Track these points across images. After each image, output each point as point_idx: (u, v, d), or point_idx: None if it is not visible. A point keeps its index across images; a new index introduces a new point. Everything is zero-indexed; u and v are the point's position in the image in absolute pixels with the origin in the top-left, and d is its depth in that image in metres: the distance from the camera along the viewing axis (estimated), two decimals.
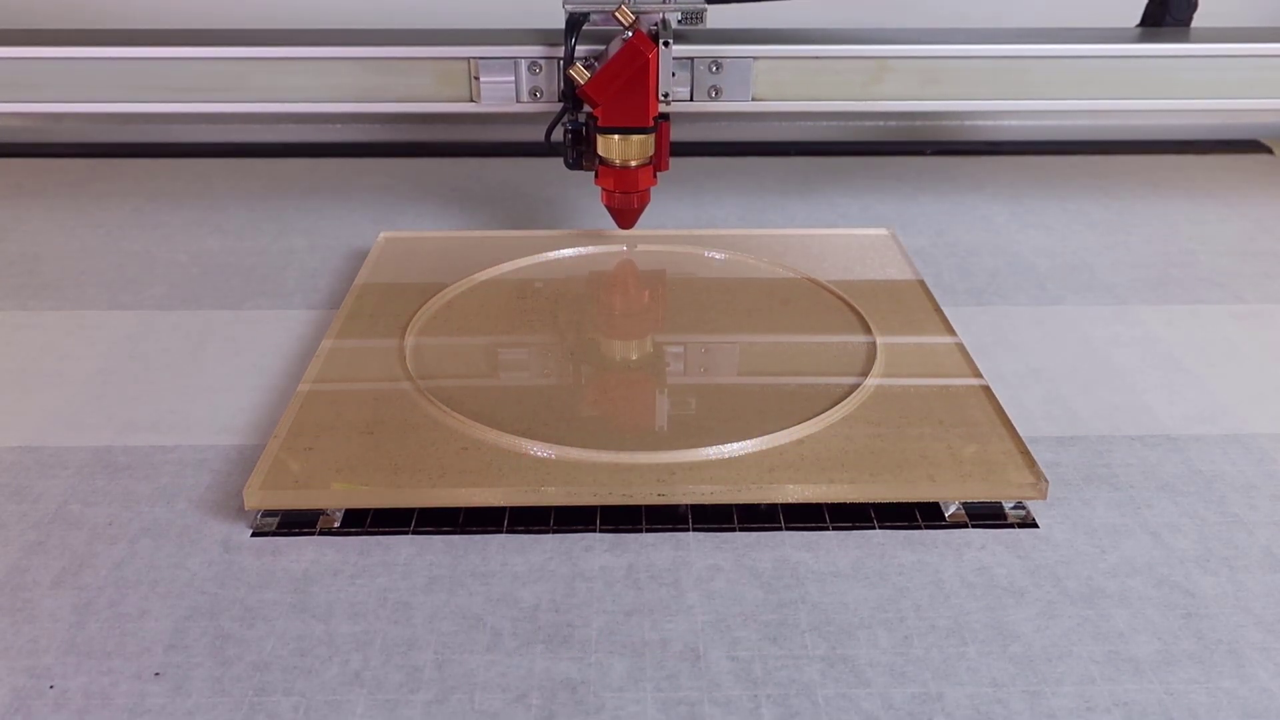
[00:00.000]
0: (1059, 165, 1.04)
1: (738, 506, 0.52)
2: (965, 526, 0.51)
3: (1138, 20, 0.96)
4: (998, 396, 0.59)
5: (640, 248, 0.78)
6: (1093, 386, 0.64)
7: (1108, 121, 1.12)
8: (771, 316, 0.71)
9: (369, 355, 0.62)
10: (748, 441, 0.54)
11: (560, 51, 0.76)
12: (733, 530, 0.51)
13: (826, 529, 0.51)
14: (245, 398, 0.62)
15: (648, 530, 0.51)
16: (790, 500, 0.51)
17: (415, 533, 0.51)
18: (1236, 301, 0.75)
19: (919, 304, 0.69)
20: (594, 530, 0.51)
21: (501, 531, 0.51)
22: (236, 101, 0.82)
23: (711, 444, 0.53)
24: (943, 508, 0.52)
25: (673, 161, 1.03)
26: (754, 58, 0.80)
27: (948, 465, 0.53)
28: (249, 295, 0.76)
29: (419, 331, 0.67)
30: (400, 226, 0.88)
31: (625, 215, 0.78)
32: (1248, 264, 0.81)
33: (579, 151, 0.76)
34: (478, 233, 0.83)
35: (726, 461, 0.53)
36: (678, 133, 1.08)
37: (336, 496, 0.51)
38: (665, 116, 0.76)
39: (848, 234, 0.81)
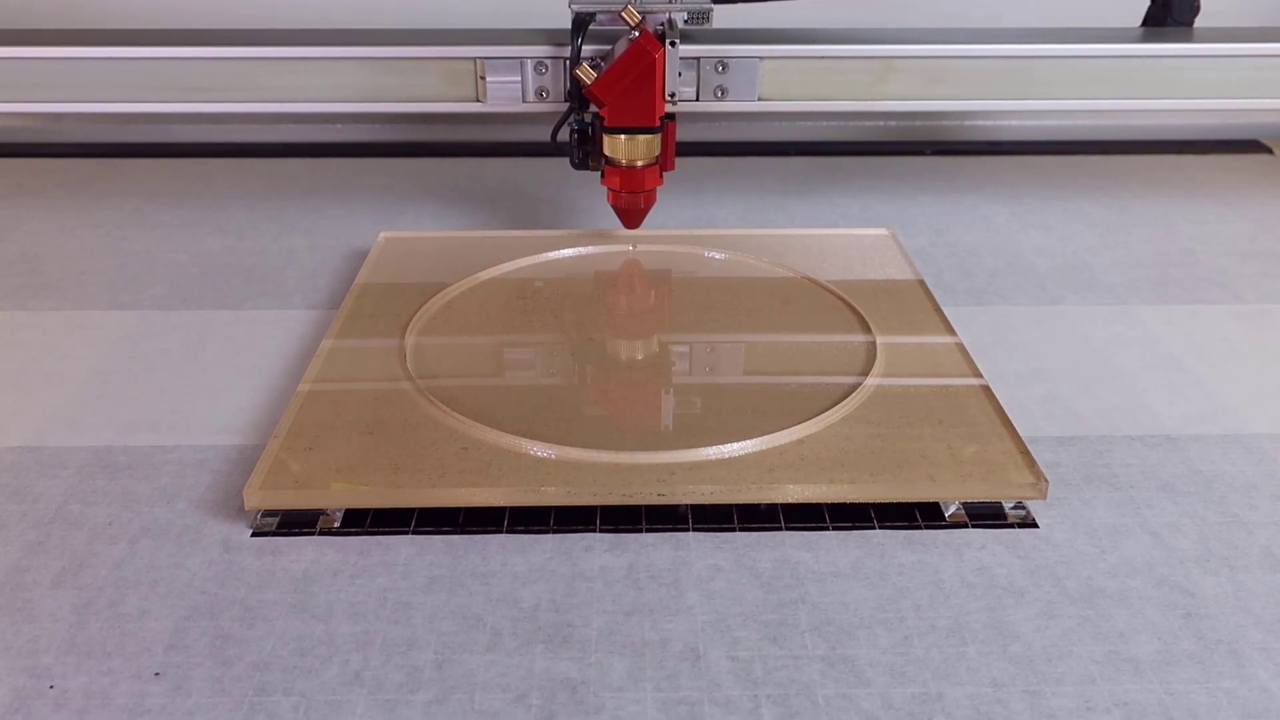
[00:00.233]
0: (1059, 165, 1.04)
1: (738, 506, 0.52)
2: (965, 526, 0.51)
3: (1139, 23, 0.96)
4: (998, 396, 0.59)
5: (641, 247, 0.78)
6: (1093, 386, 0.64)
7: (1108, 121, 1.12)
8: (771, 317, 0.71)
9: (369, 355, 0.62)
10: (748, 441, 0.54)
11: (566, 51, 0.76)
12: (733, 530, 0.51)
13: (826, 529, 0.51)
14: (245, 398, 0.62)
15: (648, 530, 0.51)
16: (790, 500, 0.51)
17: (415, 533, 0.51)
18: (1236, 301, 0.75)
19: (919, 304, 0.69)
20: (594, 530, 0.51)
21: (501, 531, 0.51)
22: (243, 101, 0.82)
23: (711, 444, 0.53)
24: (943, 508, 0.52)
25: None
26: (760, 58, 0.80)
27: (948, 465, 0.53)
28: (249, 295, 0.76)
29: (419, 331, 0.67)
30: (400, 226, 0.88)
31: (631, 215, 0.78)
32: (1248, 264, 0.81)
33: (585, 151, 0.76)
34: (478, 233, 0.83)
35: (726, 461, 0.53)
36: (679, 131, 1.09)
37: (336, 496, 0.51)
38: (671, 116, 0.76)
39: (848, 234, 0.81)
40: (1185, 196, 0.96)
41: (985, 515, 0.52)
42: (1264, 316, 0.73)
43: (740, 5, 0.81)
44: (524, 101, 0.80)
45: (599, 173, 0.76)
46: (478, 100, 0.81)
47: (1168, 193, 0.97)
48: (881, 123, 1.11)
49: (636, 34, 0.71)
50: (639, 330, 0.71)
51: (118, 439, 0.58)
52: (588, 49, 0.75)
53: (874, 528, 0.51)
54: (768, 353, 0.67)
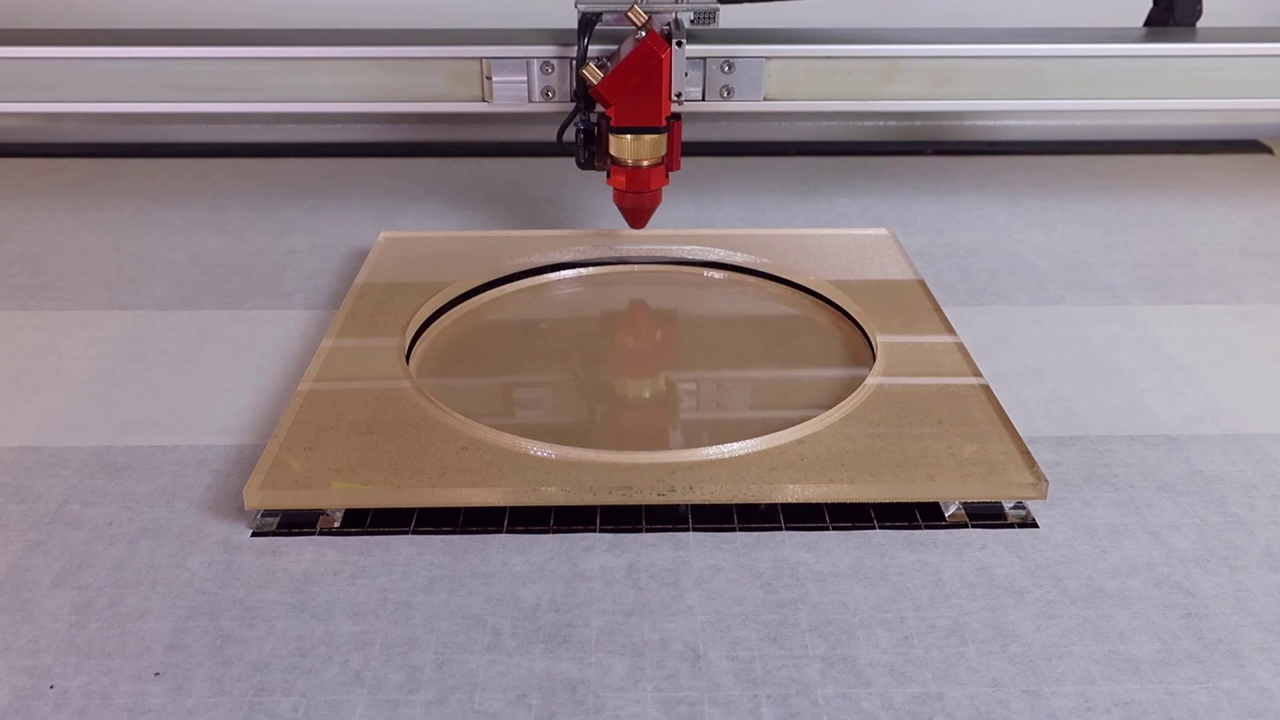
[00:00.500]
0: (1059, 165, 1.04)
1: (738, 506, 0.52)
2: (965, 526, 0.51)
3: (1141, 24, 0.96)
4: (998, 396, 0.59)
5: (640, 249, 0.78)
6: (1093, 386, 0.64)
7: (1108, 121, 1.12)
8: (772, 316, 0.72)
9: (369, 355, 0.62)
10: (748, 441, 0.54)
11: (572, 51, 0.77)
12: (733, 530, 0.51)
13: (826, 529, 0.51)
14: (245, 398, 0.62)
15: (648, 530, 0.51)
16: (790, 500, 0.51)
17: (415, 533, 0.51)
18: (1236, 301, 0.75)
19: (919, 304, 0.69)
20: (594, 530, 0.51)
21: (501, 531, 0.51)
22: (248, 101, 0.82)
23: (711, 444, 0.53)
24: (943, 508, 0.52)
25: None
26: (766, 57, 0.80)
27: (948, 465, 0.53)
28: (249, 295, 0.76)
29: (419, 331, 0.67)
30: (400, 226, 0.88)
31: (637, 215, 0.78)
32: (1248, 264, 0.81)
33: (590, 151, 0.76)
34: (478, 233, 0.83)
35: (726, 461, 0.52)
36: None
37: (336, 496, 0.51)
38: (677, 116, 0.76)
39: (848, 234, 0.81)
40: (1185, 196, 0.96)
41: (985, 515, 0.52)
42: (1264, 316, 0.73)
43: (746, 5, 0.81)
44: (530, 101, 0.81)
45: (605, 173, 0.76)
46: (484, 100, 0.81)
47: (1168, 193, 0.97)
48: (881, 122, 1.11)
49: (643, 34, 0.71)
50: (638, 330, 0.71)
51: (118, 439, 0.58)
52: (594, 49, 0.75)
53: (874, 528, 0.51)
54: (768, 352, 0.67)
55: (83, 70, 0.81)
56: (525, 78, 0.79)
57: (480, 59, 0.80)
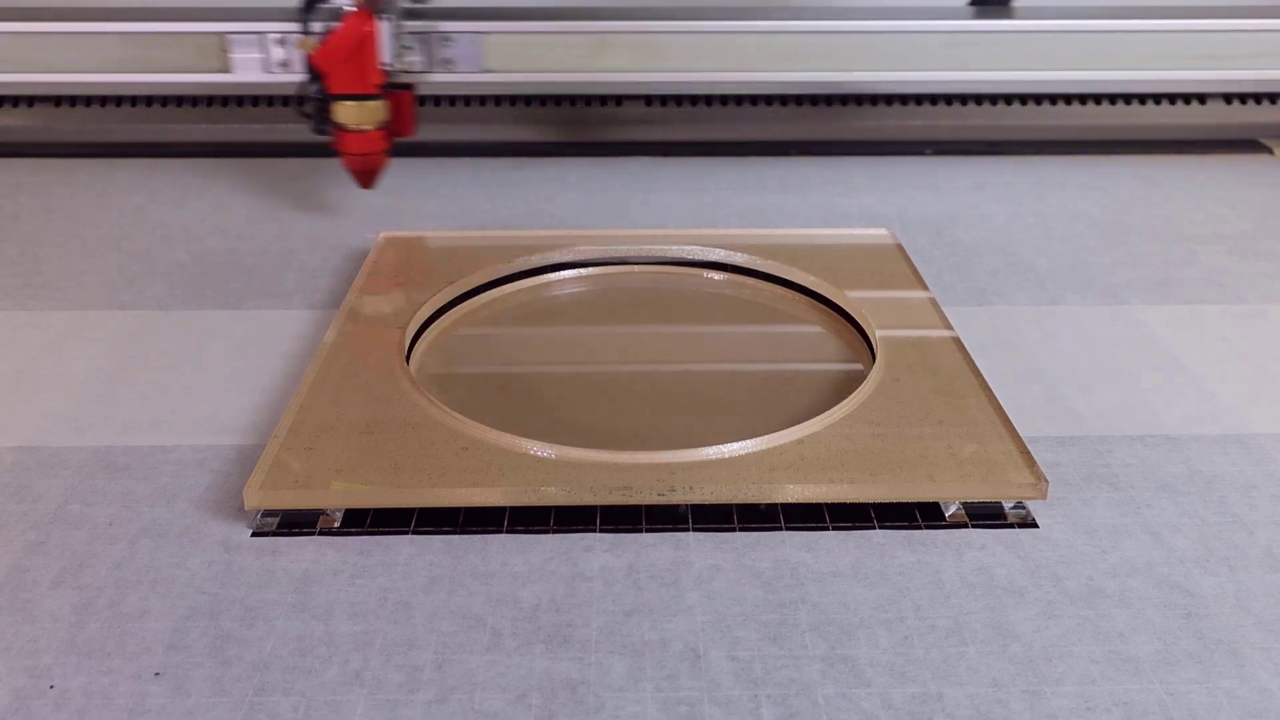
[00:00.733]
0: (1059, 165, 1.04)
1: (738, 506, 0.52)
2: (965, 526, 0.51)
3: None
4: (998, 396, 0.59)
5: (639, 249, 0.78)
6: (1093, 386, 0.64)
7: (1108, 121, 1.12)
8: (772, 316, 0.72)
9: (369, 355, 0.62)
10: (748, 441, 0.54)
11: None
12: (733, 530, 0.51)
13: (826, 529, 0.51)
14: (245, 398, 0.62)
15: (648, 530, 0.51)
16: (790, 500, 0.51)
17: (415, 533, 0.51)
18: (1236, 301, 0.75)
19: (918, 303, 0.69)
20: (594, 530, 0.51)
21: (501, 531, 0.51)
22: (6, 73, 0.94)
23: (711, 444, 0.53)
24: (943, 508, 0.52)
25: (673, 161, 1.04)
26: (485, 32, 0.91)
27: (948, 465, 0.53)
28: (249, 295, 0.76)
29: (419, 331, 0.67)
30: (400, 226, 0.87)
31: (363, 176, 0.87)
32: (1248, 264, 0.81)
33: (322, 117, 0.84)
34: (478, 233, 0.83)
35: (726, 461, 0.52)
36: (678, 131, 1.09)
37: (336, 496, 0.51)
38: (408, 86, 0.87)
39: (848, 234, 0.81)
40: (1185, 196, 0.96)
41: (985, 515, 0.52)
42: (1264, 316, 0.73)
43: None
44: (267, 73, 0.92)
45: (332, 138, 0.85)
46: (224, 71, 0.93)
47: (1168, 193, 0.97)
48: (881, 122, 1.11)
49: (354, 9, 0.80)
50: (638, 331, 0.71)
51: (118, 439, 0.58)
52: (319, 25, 0.83)
53: (874, 528, 0.51)
54: (768, 353, 0.67)
55: None
56: (261, 52, 0.90)
57: (220, 33, 0.92)
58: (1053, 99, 1.12)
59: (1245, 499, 0.54)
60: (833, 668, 0.43)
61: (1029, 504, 0.52)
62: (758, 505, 0.52)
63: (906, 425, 0.56)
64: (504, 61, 0.93)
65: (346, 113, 0.82)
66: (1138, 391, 0.63)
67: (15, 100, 1.10)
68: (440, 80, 0.92)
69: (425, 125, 1.09)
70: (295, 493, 0.51)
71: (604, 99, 1.12)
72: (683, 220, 0.90)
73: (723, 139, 1.10)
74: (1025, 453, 0.53)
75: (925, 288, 0.71)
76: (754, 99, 1.12)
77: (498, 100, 1.11)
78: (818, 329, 0.70)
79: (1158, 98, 1.12)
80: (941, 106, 1.12)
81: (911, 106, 1.12)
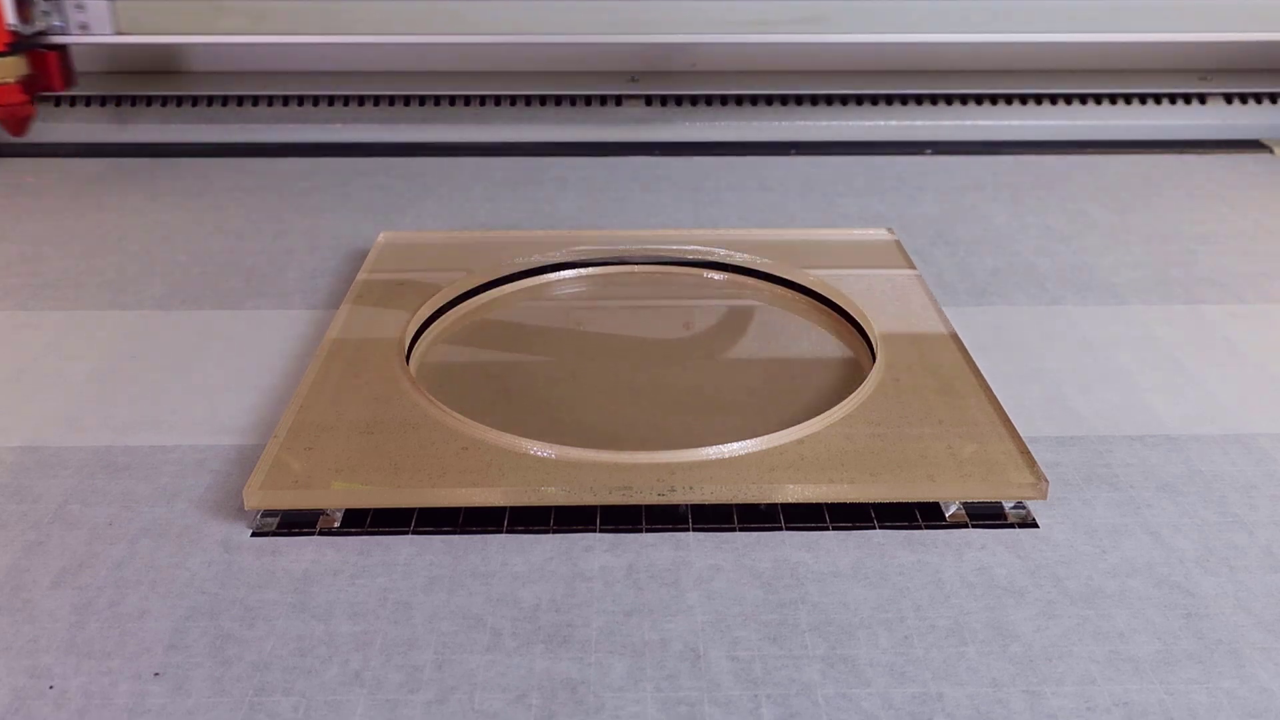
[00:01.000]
0: (1059, 165, 1.04)
1: (738, 506, 0.52)
2: (965, 526, 0.51)
3: None
4: (998, 396, 0.59)
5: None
6: (1093, 386, 0.64)
7: (1108, 121, 1.12)
8: (772, 316, 0.72)
9: (369, 355, 0.62)
10: (748, 441, 0.54)
11: None
12: (733, 530, 0.51)
13: (826, 529, 0.51)
14: (245, 398, 0.62)
15: (648, 530, 0.51)
16: (790, 500, 0.51)
17: (415, 533, 0.51)
18: (1236, 301, 0.75)
19: (919, 304, 0.69)
20: (594, 530, 0.51)
21: (501, 531, 0.51)
22: None
23: (711, 444, 0.53)
24: (943, 508, 0.52)
25: (672, 161, 1.04)
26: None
27: (948, 465, 0.53)
28: (249, 295, 0.76)
29: (419, 331, 0.67)
30: (400, 226, 0.88)
31: (11, 125, 1.00)
32: (1248, 264, 0.81)
33: None
34: (478, 233, 0.83)
35: (726, 461, 0.52)
36: (678, 131, 1.09)
37: (336, 496, 0.51)
38: (56, 47, 0.99)
39: (848, 234, 0.81)
40: (1185, 196, 0.96)
41: (985, 515, 0.52)
42: (1264, 316, 0.73)
43: None
44: None
45: None
46: None
47: (1168, 193, 0.97)
48: (881, 122, 1.11)
49: None
50: (639, 331, 0.71)
51: (118, 439, 0.58)
52: None
53: (874, 528, 0.51)
54: (768, 352, 0.67)
55: None
56: None
57: None
58: (1053, 99, 1.13)
59: (1245, 499, 0.54)
60: (833, 668, 0.43)
61: (1029, 504, 0.53)
62: (758, 505, 0.52)
63: (906, 425, 0.56)
64: (135, 24, 1.01)
65: None
66: (1138, 391, 0.63)
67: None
68: (80, 41, 1.01)
69: (425, 125, 1.10)
70: (295, 493, 0.51)
71: (604, 99, 1.12)
72: (683, 220, 0.90)
73: (723, 139, 1.10)
74: (1025, 453, 0.53)
75: (925, 287, 0.71)
76: (754, 99, 1.12)
77: (497, 100, 1.12)
78: (818, 329, 0.70)
79: (1158, 97, 1.13)
80: (941, 106, 1.12)
81: (911, 106, 1.12)
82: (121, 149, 1.07)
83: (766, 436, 0.54)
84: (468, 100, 1.12)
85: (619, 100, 1.12)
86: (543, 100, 1.12)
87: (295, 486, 0.51)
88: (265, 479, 0.51)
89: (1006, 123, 1.12)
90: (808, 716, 0.41)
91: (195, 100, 1.11)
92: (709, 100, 1.12)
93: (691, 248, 0.77)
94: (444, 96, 1.12)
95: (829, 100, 1.12)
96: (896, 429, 0.55)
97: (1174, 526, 0.52)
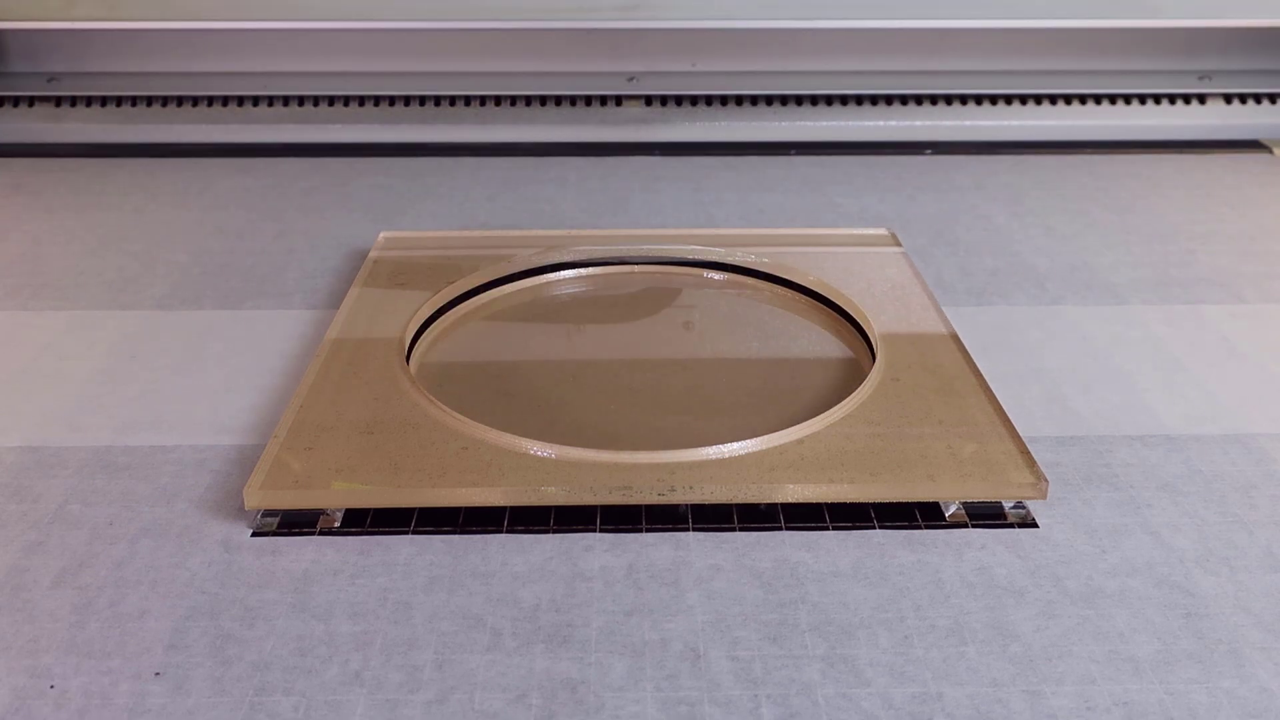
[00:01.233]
0: (1059, 165, 1.04)
1: (738, 506, 0.52)
2: (965, 526, 0.51)
3: None
4: (998, 396, 0.59)
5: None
6: (1093, 386, 0.64)
7: (1108, 121, 1.12)
8: (772, 316, 0.72)
9: (369, 355, 0.62)
10: (748, 441, 0.54)
11: None
12: (733, 530, 0.51)
13: (826, 529, 0.51)
14: (245, 398, 0.62)
15: (648, 530, 0.51)
16: (790, 500, 0.51)
17: (415, 533, 0.51)
18: (1236, 301, 0.75)
19: (919, 303, 0.69)
20: (594, 530, 0.51)
21: (501, 531, 0.51)
22: None
23: (711, 444, 0.53)
24: (943, 508, 0.52)
25: (672, 161, 1.04)
26: None
27: (948, 465, 0.53)
28: (249, 295, 0.76)
29: (419, 331, 0.67)
30: (400, 226, 0.88)
31: None
32: (1248, 264, 0.81)
33: None
34: (478, 232, 0.83)
35: (726, 461, 0.53)
36: (678, 131, 1.09)
37: (336, 496, 0.51)
38: None
39: (848, 234, 0.81)
40: (1185, 196, 0.96)
41: (985, 515, 0.52)
42: (1264, 316, 0.73)
43: None
44: None
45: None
46: None
47: (1168, 193, 0.97)
48: (881, 122, 1.11)
49: None
50: (639, 330, 0.71)
51: (118, 439, 0.58)
52: None
53: (874, 528, 0.51)
54: (768, 352, 0.67)
55: None
56: None
57: None
58: (1053, 99, 1.13)
59: (1245, 499, 0.54)
60: (833, 667, 0.43)
61: (1029, 504, 0.53)
62: (758, 505, 0.52)
63: (906, 425, 0.56)
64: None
65: None
66: (1138, 391, 0.63)
67: (15, 100, 1.11)
68: None
69: (425, 125, 1.10)
70: (295, 493, 0.51)
71: (604, 99, 1.12)
72: (683, 220, 0.90)
73: (723, 139, 1.10)
74: (1025, 453, 0.53)
75: (925, 287, 0.71)
76: (754, 99, 1.12)
77: (497, 100, 1.12)
78: (818, 329, 0.70)
79: (1158, 98, 1.13)
80: (941, 106, 1.12)
81: (911, 106, 1.12)
82: (121, 149, 1.07)
83: (766, 436, 0.54)
84: (468, 100, 1.12)
85: (619, 100, 1.12)
86: (543, 100, 1.12)
87: (295, 486, 0.51)
88: (265, 479, 0.51)
89: (1006, 123, 1.12)
90: (808, 716, 0.41)
91: (195, 100, 1.11)
92: (709, 100, 1.12)
93: (691, 248, 0.77)
94: (444, 96, 1.12)
95: (829, 100, 1.12)
96: (896, 429, 0.55)
97: (1174, 526, 0.52)
